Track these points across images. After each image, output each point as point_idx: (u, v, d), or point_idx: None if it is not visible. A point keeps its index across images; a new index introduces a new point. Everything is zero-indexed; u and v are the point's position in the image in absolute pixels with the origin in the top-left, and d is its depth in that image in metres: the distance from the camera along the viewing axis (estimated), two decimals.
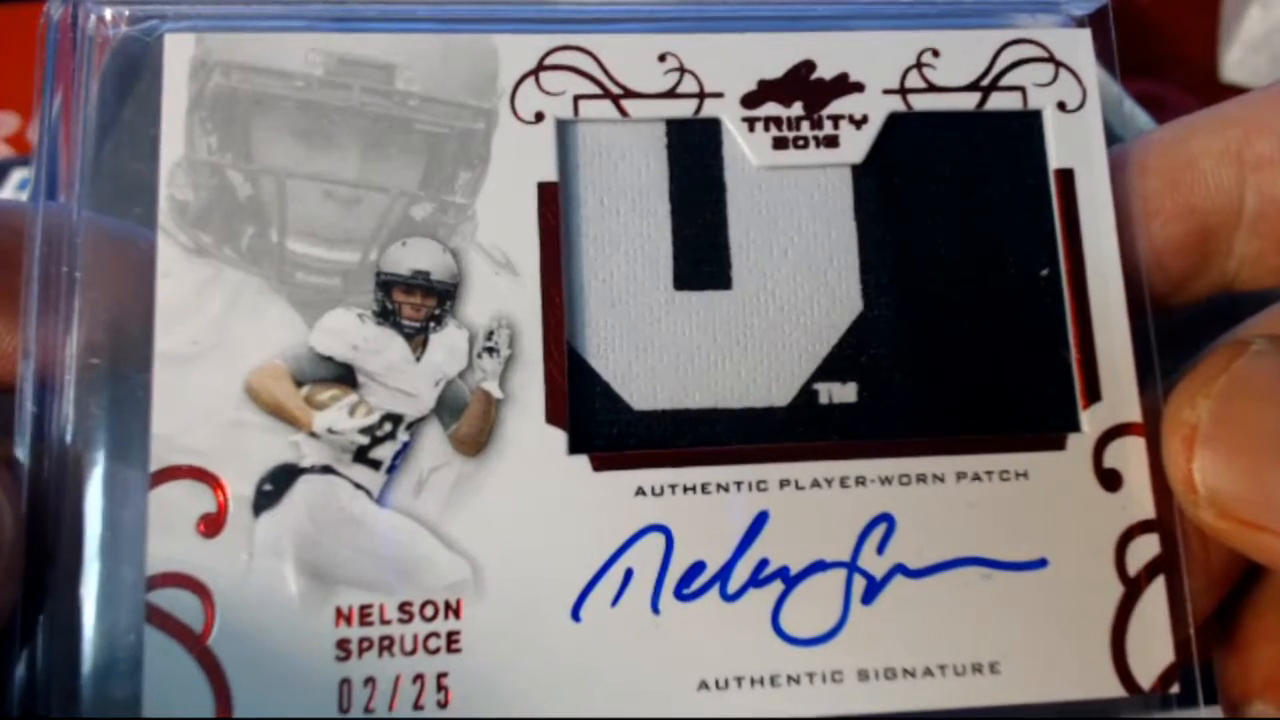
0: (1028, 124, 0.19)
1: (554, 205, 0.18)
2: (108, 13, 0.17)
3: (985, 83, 0.19)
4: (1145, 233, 0.18)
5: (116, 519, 0.16)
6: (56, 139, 0.17)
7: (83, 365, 0.16)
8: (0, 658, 0.15)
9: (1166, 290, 0.18)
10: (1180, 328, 0.19)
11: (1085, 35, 0.19)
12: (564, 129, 0.18)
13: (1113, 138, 0.19)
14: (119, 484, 0.16)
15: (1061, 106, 0.19)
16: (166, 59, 0.17)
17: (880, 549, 0.17)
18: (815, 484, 0.17)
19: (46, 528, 0.16)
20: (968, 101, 0.19)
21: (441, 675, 0.16)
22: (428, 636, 0.16)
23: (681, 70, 0.18)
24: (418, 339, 0.17)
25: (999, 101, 0.19)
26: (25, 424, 0.16)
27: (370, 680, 0.16)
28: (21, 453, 0.16)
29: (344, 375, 0.17)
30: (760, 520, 0.17)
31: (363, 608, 0.16)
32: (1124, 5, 0.19)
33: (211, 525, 0.16)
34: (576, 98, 0.18)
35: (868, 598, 0.17)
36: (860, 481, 0.17)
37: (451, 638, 0.16)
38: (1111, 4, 0.19)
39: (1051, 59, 0.19)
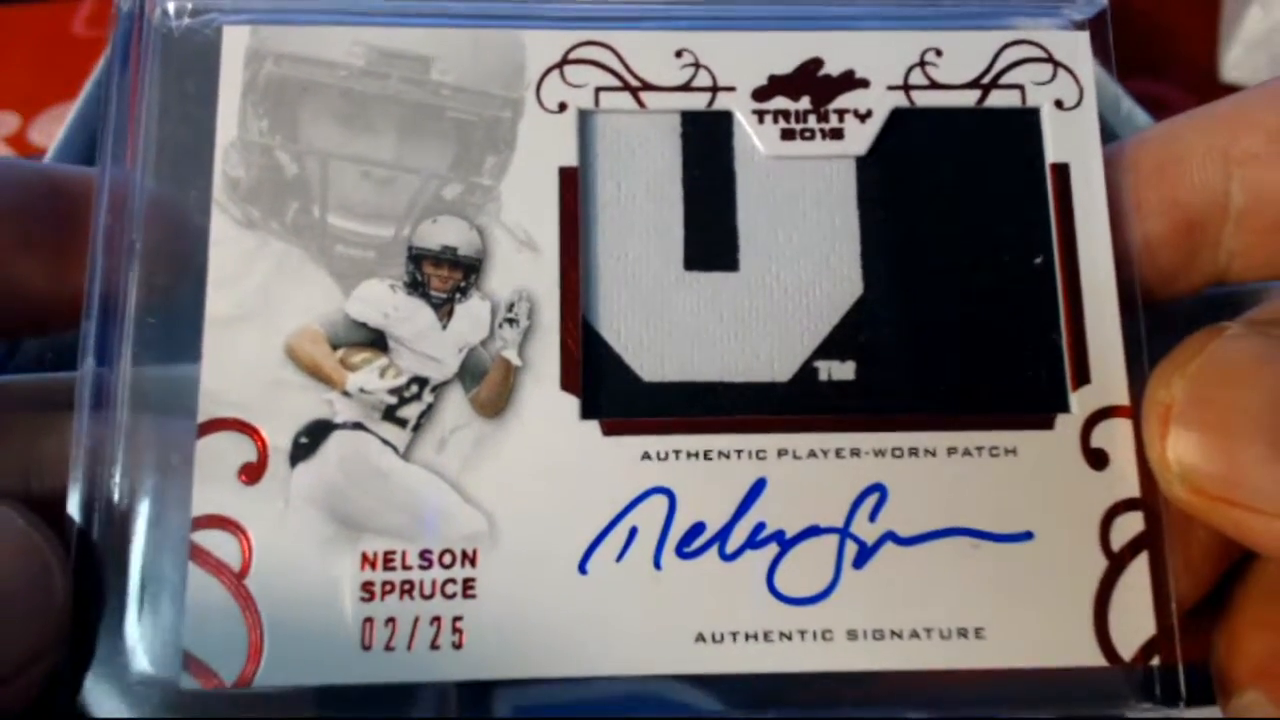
0: (1026, 120, 0.20)
1: (574, 189, 0.19)
2: (171, 6, 0.19)
3: (986, 81, 0.20)
4: (1136, 226, 0.19)
5: (167, 466, 0.18)
6: (124, 118, 0.19)
7: (140, 324, 0.18)
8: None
9: (1159, 282, 0.19)
10: (1172, 315, 0.19)
11: (1083, 37, 0.20)
12: (585, 118, 0.19)
13: (1110, 136, 0.20)
14: (169, 434, 0.18)
15: (1059, 104, 0.20)
16: (224, 49, 0.19)
17: (872, 517, 0.18)
18: (812, 454, 0.18)
19: (101, 473, 0.17)
20: (968, 98, 0.20)
21: (457, 619, 0.17)
22: (445, 582, 0.17)
23: (696, 65, 0.20)
24: (444, 309, 0.19)
25: (998, 99, 0.20)
26: (87, 380, 0.18)
27: (391, 620, 0.17)
28: (83, 415, 0.18)
29: (376, 340, 0.18)
30: (759, 486, 0.18)
31: (386, 553, 0.17)
32: (1124, 5, 0.20)
33: (252, 473, 0.18)
34: (597, 89, 0.19)
35: (859, 562, 0.18)
36: (855, 453, 0.18)
37: (467, 584, 0.17)
38: (1111, 4, 0.20)
39: (1050, 59, 0.20)
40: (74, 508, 0.17)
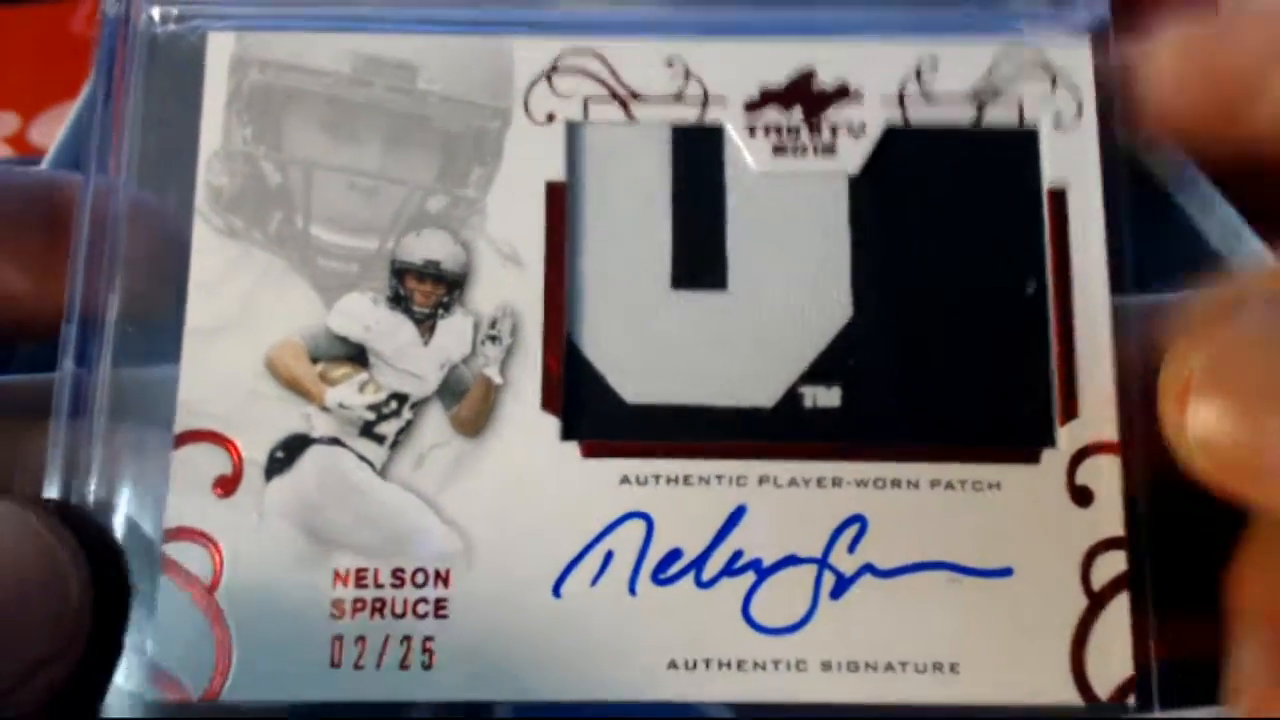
0: (1023, 142, 0.19)
1: (560, 203, 0.19)
2: (156, 12, 0.19)
3: (983, 93, 0.19)
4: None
5: (141, 475, 0.18)
6: (108, 123, 0.18)
7: (119, 332, 0.18)
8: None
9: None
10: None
11: (1084, 48, 0.19)
12: (573, 130, 0.19)
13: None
14: (145, 443, 0.18)
15: (1058, 119, 0.19)
16: (209, 56, 0.19)
17: (851, 548, 0.18)
18: (793, 482, 0.18)
19: (77, 481, 0.17)
20: (965, 111, 0.19)
21: (428, 639, 0.17)
22: (417, 602, 0.17)
23: (687, 75, 0.19)
24: (426, 324, 0.18)
25: (995, 112, 0.19)
26: (65, 385, 0.18)
27: (361, 639, 0.17)
28: (60, 420, 0.18)
29: (356, 355, 0.18)
30: (738, 513, 0.18)
31: (359, 571, 0.17)
32: (1124, 4, 0.20)
33: (226, 486, 0.18)
34: (586, 100, 0.19)
35: (836, 593, 0.18)
36: (837, 483, 0.18)
37: (439, 604, 0.17)
38: (1112, 11, 0.20)
39: (1049, 71, 0.19)
40: None
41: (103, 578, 0.17)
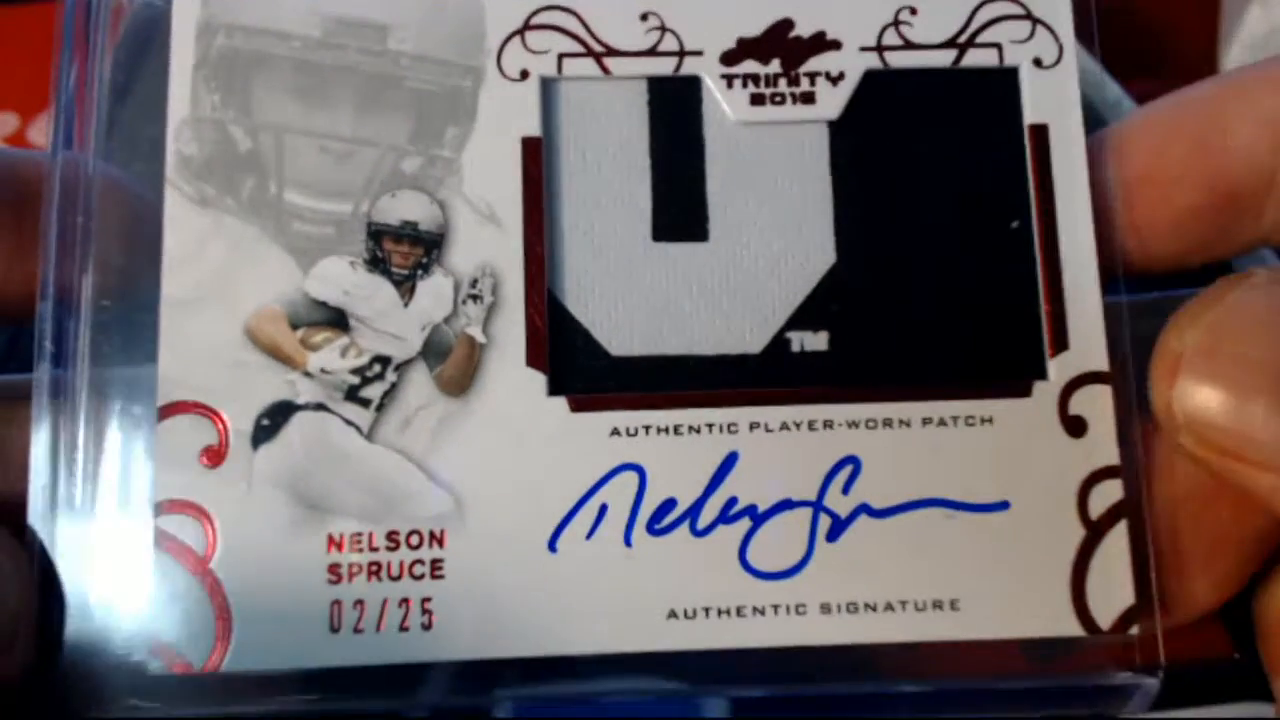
0: (1003, 80, 0.19)
1: (537, 159, 0.19)
2: None
3: (962, 40, 0.19)
4: (1171, 197, 0.18)
5: (128, 451, 0.17)
6: (73, 98, 0.18)
7: (95, 308, 0.18)
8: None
9: (1197, 249, 0.18)
10: (1152, 280, 0.19)
11: None
12: (548, 86, 0.19)
13: None
14: (129, 418, 0.18)
15: (1038, 63, 0.19)
16: (175, 21, 0.18)
17: (846, 489, 0.18)
18: (784, 427, 0.18)
19: (62, 459, 0.17)
20: (944, 58, 0.19)
21: (426, 600, 0.17)
22: (413, 563, 0.17)
23: (662, 29, 0.19)
24: (406, 285, 0.18)
25: (975, 58, 0.19)
26: (44, 362, 0.17)
27: (359, 603, 0.17)
28: (39, 404, 0.17)
29: (336, 319, 0.18)
30: (730, 460, 0.18)
31: (353, 535, 0.17)
32: (1124, 4, 0.20)
33: (214, 456, 0.17)
34: (560, 56, 0.19)
35: (832, 535, 0.18)
36: (828, 425, 0.18)
37: (435, 565, 0.17)
38: (1111, 3, 0.19)
39: (1029, 16, 0.19)
40: (34, 496, 0.17)
41: (45, 579, 0.16)
